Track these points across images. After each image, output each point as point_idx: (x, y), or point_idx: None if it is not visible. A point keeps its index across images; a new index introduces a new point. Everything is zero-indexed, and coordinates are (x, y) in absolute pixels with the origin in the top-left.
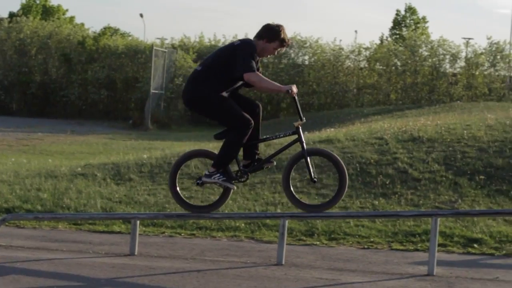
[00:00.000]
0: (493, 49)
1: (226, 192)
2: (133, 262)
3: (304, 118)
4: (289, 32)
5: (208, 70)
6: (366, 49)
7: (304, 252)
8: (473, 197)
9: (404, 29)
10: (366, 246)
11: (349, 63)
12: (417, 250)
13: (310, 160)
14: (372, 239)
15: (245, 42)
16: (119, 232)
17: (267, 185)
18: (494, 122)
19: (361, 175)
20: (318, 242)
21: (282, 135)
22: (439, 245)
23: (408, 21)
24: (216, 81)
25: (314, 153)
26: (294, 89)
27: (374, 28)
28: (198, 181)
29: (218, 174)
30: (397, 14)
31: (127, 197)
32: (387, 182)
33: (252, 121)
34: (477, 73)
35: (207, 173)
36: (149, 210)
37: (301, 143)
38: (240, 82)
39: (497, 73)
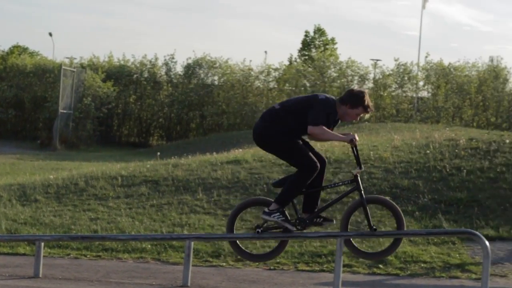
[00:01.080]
0: (401, 70)
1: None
2: (37, 285)
3: (363, 167)
4: (199, 52)
5: (286, 112)
6: (275, 69)
7: (210, 274)
8: (379, 217)
9: (313, 50)
10: (272, 267)
11: (259, 84)
12: (323, 271)
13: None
14: (278, 260)
15: (328, 100)
16: (24, 254)
17: (174, 206)
18: (400, 143)
19: (268, 196)
20: (224, 264)
21: (341, 184)
22: (345, 265)
23: (317, 42)
24: (291, 126)
25: (373, 201)
26: (357, 137)
27: (284, 48)
28: (258, 229)
29: (278, 213)
30: (306, 35)
31: (32, 218)
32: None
33: (319, 166)
34: (385, 94)
35: (266, 210)
36: (55, 232)
37: (360, 191)
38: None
39: (404, 94)
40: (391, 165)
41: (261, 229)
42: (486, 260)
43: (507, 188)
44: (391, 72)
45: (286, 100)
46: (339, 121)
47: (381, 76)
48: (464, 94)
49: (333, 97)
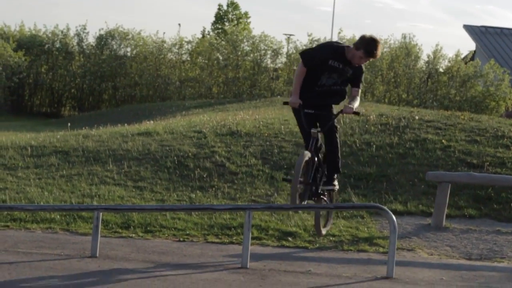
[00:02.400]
0: (314, 45)
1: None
2: None
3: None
4: (111, 23)
5: None
6: (188, 42)
7: (119, 245)
8: (289, 191)
9: (226, 23)
10: (182, 239)
11: (172, 56)
12: (232, 243)
13: None
14: (188, 232)
15: (323, 44)
16: None
17: (84, 177)
18: None
19: (178, 168)
20: (134, 235)
21: None
22: (255, 238)
23: (230, 16)
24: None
25: None
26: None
27: (197, 21)
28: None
29: None
30: (219, 9)
31: None
32: (205, 175)
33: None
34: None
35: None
36: None
37: None
38: None
39: None
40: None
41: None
42: (393, 234)
43: (415, 163)
44: (304, 47)
45: None
46: (340, 66)
47: (294, 51)
48: (376, 71)
49: (335, 42)
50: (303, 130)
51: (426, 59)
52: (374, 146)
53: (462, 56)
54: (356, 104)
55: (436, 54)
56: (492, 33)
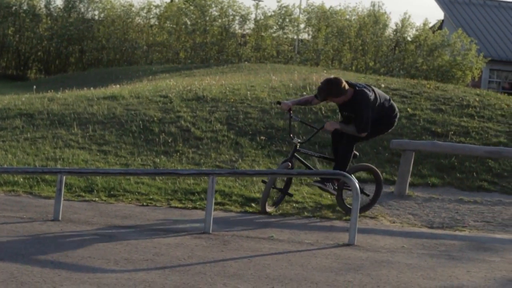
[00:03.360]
0: (282, 12)
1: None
2: None
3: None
4: None
5: None
6: (156, 6)
7: (82, 208)
8: (254, 157)
9: None
10: (145, 203)
11: (139, 20)
12: (195, 208)
13: None
14: (151, 196)
15: None
16: None
17: (48, 140)
18: (278, 84)
19: (143, 133)
20: (97, 199)
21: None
22: (218, 203)
23: None
24: None
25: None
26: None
27: None
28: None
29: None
30: None
31: None
32: (170, 140)
33: None
34: (266, 35)
35: None
36: None
37: None
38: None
39: (285, 36)
40: (268, 106)
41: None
42: (355, 202)
43: None
44: (272, 13)
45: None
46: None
47: (262, 17)
48: (344, 38)
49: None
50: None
51: (394, 27)
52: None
53: (430, 25)
54: (346, 127)
55: (404, 22)
56: (460, 2)
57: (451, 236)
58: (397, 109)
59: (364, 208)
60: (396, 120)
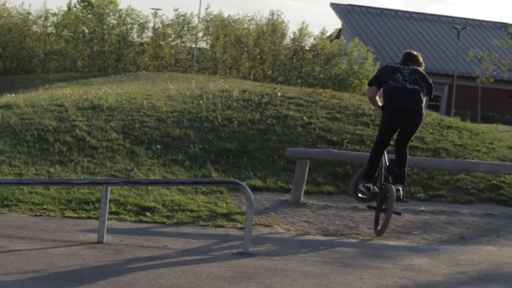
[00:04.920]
0: (180, 20)
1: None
2: None
3: None
4: None
5: (422, 90)
6: (54, 14)
7: None
8: (149, 166)
9: None
10: (39, 213)
11: (37, 28)
12: (90, 217)
13: None
14: (45, 206)
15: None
16: None
17: None
18: (175, 92)
19: (38, 142)
20: None
21: None
22: (113, 213)
23: None
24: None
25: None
26: None
27: None
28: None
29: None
30: None
31: None
32: (64, 150)
33: None
34: (164, 43)
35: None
36: None
37: None
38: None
39: (183, 45)
40: (164, 114)
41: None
42: (249, 210)
43: (276, 140)
44: (170, 22)
45: (413, 77)
46: None
47: (160, 26)
48: (242, 47)
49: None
50: None
51: (292, 36)
52: (236, 122)
53: (328, 34)
54: None
55: (302, 31)
56: (358, 11)
57: (345, 243)
58: None
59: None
60: None
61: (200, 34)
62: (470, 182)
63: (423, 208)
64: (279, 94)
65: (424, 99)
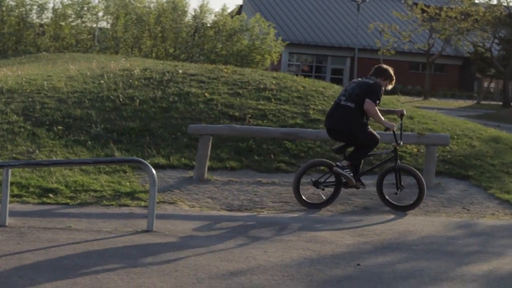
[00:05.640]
0: (80, 0)
1: (337, 191)
2: None
3: (400, 143)
4: None
5: (358, 106)
6: None
7: None
8: (51, 147)
9: None
10: None
11: None
12: None
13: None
14: None
15: (377, 84)
16: None
17: None
18: (75, 73)
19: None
20: None
21: (384, 153)
22: (15, 196)
23: None
24: (362, 115)
25: (403, 170)
26: (393, 126)
27: None
28: (319, 186)
29: (349, 170)
30: None
31: None
32: None
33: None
34: (64, 24)
35: (340, 165)
36: None
37: (396, 160)
38: None
39: (84, 25)
40: (65, 95)
41: (318, 183)
42: (152, 188)
43: (178, 117)
44: (70, 2)
45: (348, 92)
46: None
47: (60, 6)
48: (143, 25)
49: (372, 78)
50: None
51: (193, 13)
52: (138, 100)
53: (229, 11)
54: None
55: (203, 8)
56: None
57: (249, 217)
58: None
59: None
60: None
61: (101, 14)
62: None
63: None
64: (180, 71)
65: (356, 113)
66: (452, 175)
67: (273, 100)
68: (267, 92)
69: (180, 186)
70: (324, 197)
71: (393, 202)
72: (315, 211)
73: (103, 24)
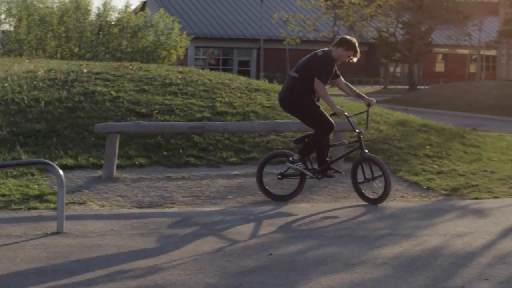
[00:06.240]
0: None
1: (302, 182)
2: None
3: (363, 130)
4: None
5: (303, 78)
6: None
7: None
8: None
9: None
10: None
11: None
12: None
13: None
14: None
15: (326, 55)
16: None
17: None
18: None
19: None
20: None
21: (346, 142)
22: None
23: None
24: (310, 89)
25: (369, 159)
26: (342, 112)
27: None
28: (279, 176)
29: (301, 163)
30: None
31: None
32: None
33: (334, 126)
34: None
35: (291, 160)
36: None
37: (362, 149)
38: None
39: None
40: None
41: (282, 175)
42: (60, 189)
43: (85, 116)
44: None
45: (299, 64)
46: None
47: None
48: (47, 26)
49: (327, 49)
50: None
51: (97, 11)
52: (43, 102)
53: (133, 7)
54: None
55: (106, 6)
56: None
57: (160, 213)
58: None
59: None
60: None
61: (3, 16)
62: (280, 142)
63: (236, 172)
64: (85, 70)
65: (301, 84)
66: None
67: (179, 94)
68: (173, 87)
69: (89, 186)
70: (290, 189)
71: (367, 195)
72: (226, 205)
73: (5, 26)
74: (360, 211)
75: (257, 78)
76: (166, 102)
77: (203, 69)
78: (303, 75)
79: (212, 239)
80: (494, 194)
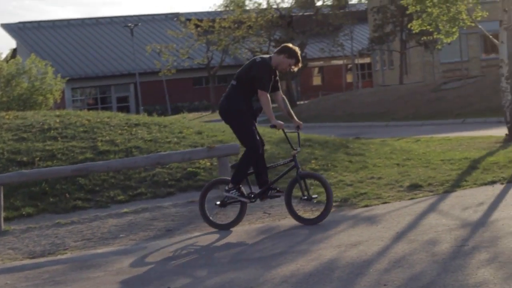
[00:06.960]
0: None
1: (242, 209)
2: None
3: (298, 149)
4: None
5: (241, 85)
6: None
7: None
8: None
9: None
10: None
11: None
12: None
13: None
14: None
15: (264, 61)
16: None
17: None
18: None
19: None
20: None
21: (282, 163)
22: None
23: None
24: (245, 95)
25: (307, 176)
26: (281, 126)
27: None
28: (217, 202)
29: (235, 190)
30: None
31: None
32: None
33: (260, 149)
34: None
35: (226, 188)
36: None
37: (297, 168)
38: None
39: None
40: None
41: (221, 204)
42: None
43: None
44: None
45: (236, 73)
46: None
47: None
48: None
49: (266, 56)
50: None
51: None
52: None
53: (4, 56)
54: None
55: None
56: (30, 27)
57: (53, 261)
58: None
59: None
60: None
61: None
62: (167, 174)
63: (125, 209)
64: None
65: (238, 91)
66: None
67: (59, 138)
68: (52, 131)
69: None
70: (230, 217)
71: (302, 216)
72: (118, 244)
73: None
74: (254, 233)
75: (137, 112)
76: (47, 147)
77: (81, 110)
78: (240, 81)
79: (107, 280)
80: (384, 200)
